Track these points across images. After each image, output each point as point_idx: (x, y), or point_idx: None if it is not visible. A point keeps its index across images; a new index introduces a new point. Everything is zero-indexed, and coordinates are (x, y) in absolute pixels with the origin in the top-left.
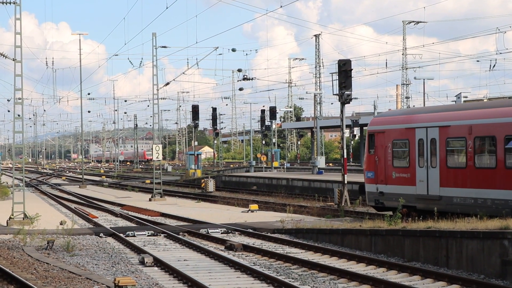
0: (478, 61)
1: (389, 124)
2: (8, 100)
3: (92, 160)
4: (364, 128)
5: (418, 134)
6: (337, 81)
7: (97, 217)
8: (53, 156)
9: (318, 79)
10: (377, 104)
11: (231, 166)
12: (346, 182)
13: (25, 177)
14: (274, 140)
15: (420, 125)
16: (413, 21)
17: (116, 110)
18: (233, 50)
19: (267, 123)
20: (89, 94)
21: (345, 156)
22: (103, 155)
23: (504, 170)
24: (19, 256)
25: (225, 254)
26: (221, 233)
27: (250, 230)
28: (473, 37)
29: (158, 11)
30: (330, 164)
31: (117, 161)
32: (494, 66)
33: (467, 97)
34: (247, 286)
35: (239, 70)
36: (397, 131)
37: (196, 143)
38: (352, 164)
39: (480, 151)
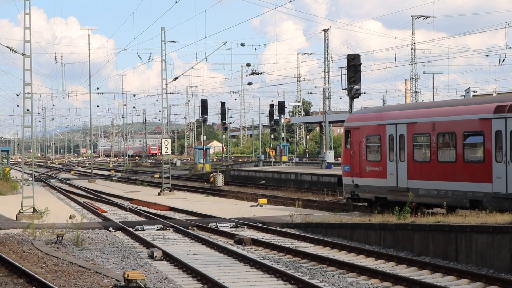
0: (487, 55)
1: (363, 121)
2: (17, 95)
3: (101, 155)
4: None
5: (388, 130)
6: (346, 75)
7: (106, 212)
8: (62, 150)
9: (327, 73)
10: (386, 98)
11: (240, 160)
12: None
13: (34, 171)
14: (282, 135)
15: (390, 122)
16: (422, 16)
17: (125, 105)
18: (242, 44)
19: (275, 117)
20: (98, 88)
21: None
22: (111, 149)
23: (463, 164)
24: (28, 250)
25: (234, 248)
26: (230, 227)
27: (259, 224)
28: (482, 31)
29: (167, 6)
30: (339, 159)
31: (125, 156)
32: (503, 61)
33: (476, 91)
34: (256, 280)
35: (248, 65)
36: (370, 127)
37: (205, 137)
38: None
39: (442, 146)
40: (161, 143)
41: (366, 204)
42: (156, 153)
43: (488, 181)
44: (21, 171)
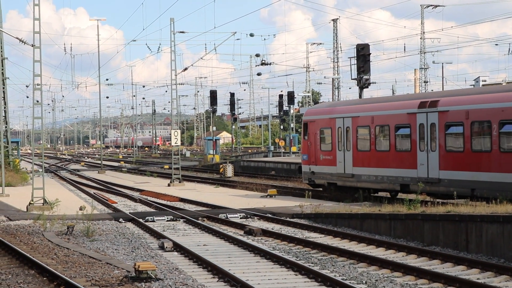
0: (496, 44)
1: (318, 114)
2: (27, 86)
3: (111, 146)
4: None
5: (337, 123)
6: (355, 65)
7: (116, 202)
8: (71, 142)
9: (336, 63)
10: (396, 88)
11: (249, 151)
12: None
13: (44, 162)
14: (292, 125)
15: (339, 116)
16: (431, 5)
17: (134, 96)
18: (251, 35)
19: (285, 108)
20: (107, 80)
21: None
22: (117, 140)
23: (395, 153)
24: (39, 241)
25: (244, 239)
26: (240, 218)
27: (269, 215)
28: (492, 20)
29: None
30: None
31: (134, 147)
32: None
33: (485, 81)
34: (267, 271)
35: (257, 55)
36: (324, 120)
37: (214, 128)
38: None
39: (379, 137)
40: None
41: (321, 189)
42: (158, 144)
43: (414, 167)
44: (31, 163)
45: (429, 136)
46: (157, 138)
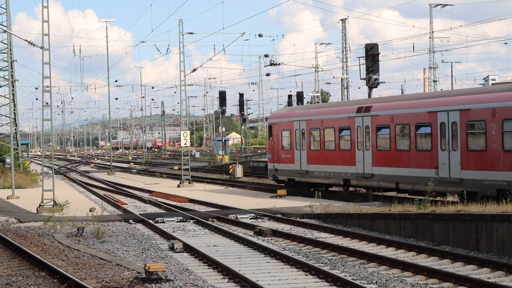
0: (506, 43)
1: (280, 118)
2: (36, 88)
3: (120, 147)
4: None
5: (295, 125)
6: (364, 65)
7: (126, 204)
8: (81, 143)
9: (345, 63)
10: (405, 88)
11: (259, 151)
12: None
13: (54, 164)
14: None
15: (296, 119)
16: (440, 4)
17: (143, 97)
18: (260, 35)
19: None
20: (116, 81)
21: None
22: (131, 141)
23: (339, 152)
24: (49, 243)
25: (254, 239)
26: (250, 218)
27: (279, 215)
28: (501, 19)
29: None
30: None
31: (144, 148)
32: None
33: (495, 79)
34: (277, 271)
35: (266, 56)
36: (284, 123)
37: (223, 129)
38: None
39: (327, 139)
40: (179, 135)
41: (283, 184)
42: (160, 145)
43: (353, 164)
44: (41, 164)
45: (364, 137)
46: (159, 140)
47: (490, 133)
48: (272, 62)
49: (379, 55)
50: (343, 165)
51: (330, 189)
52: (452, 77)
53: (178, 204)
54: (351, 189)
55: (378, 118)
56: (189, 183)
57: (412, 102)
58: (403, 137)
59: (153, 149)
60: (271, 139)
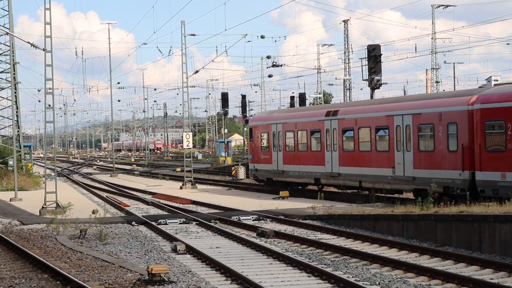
0: (508, 44)
1: (259, 121)
2: (39, 90)
3: (123, 149)
4: None
5: (272, 128)
6: (367, 66)
7: (129, 206)
8: (83, 145)
9: (347, 64)
10: (407, 88)
11: None
12: None
13: (57, 166)
14: None
15: (273, 122)
16: (442, 5)
17: (145, 99)
18: (262, 37)
19: None
20: (118, 83)
21: None
22: (133, 143)
23: (311, 153)
24: (52, 245)
25: (257, 241)
26: (253, 220)
27: (282, 217)
28: (503, 19)
29: None
30: None
31: (147, 150)
32: None
33: (497, 80)
34: (280, 272)
35: (268, 57)
36: (263, 126)
37: (226, 130)
38: None
39: (300, 140)
40: (182, 137)
41: (262, 183)
42: (159, 147)
43: (323, 164)
44: (43, 166)
45: (332, 139)
46: (159, 142)
47: (438, 135)
48: (274, 63)
49: (381, 56)
50: (314, 165)
51: (306, 188)
52: (454, 78)
53: (181, 205)
54: (334, 189)
55: (344, 121)
56: (192, 184)
57: (373, 106)
58: (365, 139)
59: (154, 150)
60: (251, 141)
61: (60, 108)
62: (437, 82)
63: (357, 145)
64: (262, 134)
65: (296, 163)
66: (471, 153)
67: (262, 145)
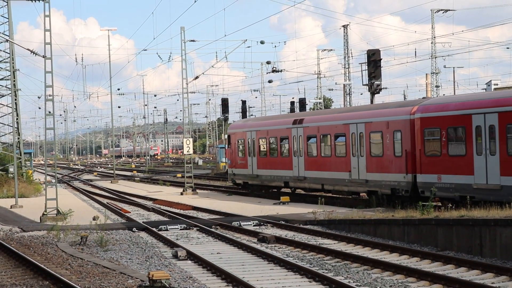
0: (508, 48)
1: (237, 128)
2: (39, 97)
3: (123, 155)
4: None
5: (247, 135)
6: (366, 71)
7: (130, 212)
8: (84, 152)
9: (347, 69)
10: (407, 93)
11: None
12: None
13: (57, 173)
14: None
15: (248, 129)
16: (441, 9)
17: (146, 105)
18: (262, 42)
19: None
20: (118, 89)
21: None
22: (134, 150)
23: (280, 158)
24: (53, 252)
25: (258, 246)
26: (254, 225)
27: (282, 222)
28: (503, 24)
29: (186, 5)
30: None
31: (147, 156)
32: None
33: (497, 84)
34: (281, 278)
35: (268, 63)
36: (240, 133)
37: (226, 136)
38: None
39: (271, 147)
40: (182, 143)
41: (240, 186)
42: (156, 154)
43: (291, 168)
44: (44, 173)
45: (299, 145)
46: (155, 148)
47: (386, 142)
48: (274, 69)
49: (381, 60)
50: (284, 169)
51: (280, 190)
52: (454, 82)
53: (182, 211)
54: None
55: (308, 129)
56: (192, 190)
57: (333, 115)
58: (326, 145)
59: (154, 157)
60: (229, 147)
61: (61, 115)
62: (437, 86)
63: (320, 151)
64: (239, 141)
65: (268, 167)
66: (413, 158)
67: (239, 151)
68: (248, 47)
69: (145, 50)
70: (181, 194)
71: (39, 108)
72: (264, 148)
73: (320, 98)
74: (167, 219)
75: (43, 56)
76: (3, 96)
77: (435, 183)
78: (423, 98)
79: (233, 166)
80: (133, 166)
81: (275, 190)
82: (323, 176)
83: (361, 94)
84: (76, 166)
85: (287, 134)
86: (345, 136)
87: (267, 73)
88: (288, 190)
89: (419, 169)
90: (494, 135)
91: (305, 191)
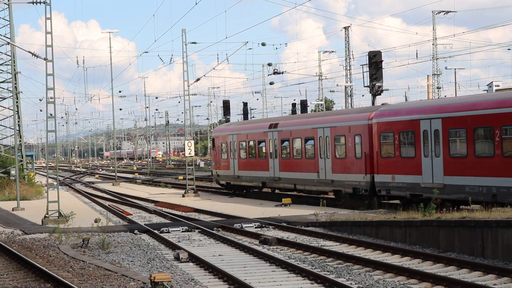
0: (509, 49)
1: (220, 132)
2: (40, 100)
3: (125, 158)
4: None
5: (229, 138)
6: (368, 72)
7: (131, 214)
8: (85, 154)
9: (348, 71)
10: (408, 95)
11: None
12: None
13: (59, 175)
14: None
15: (230, 133)
16: (442, 11)
17: (147, 107)
18: (263, 44)
19: None
20: (120, 92)
21: None
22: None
23: (259, 160)
24: (55, 255)
25: (260, 248)
26: (255, 227)
27: (284, 224)
28: (504, 25)
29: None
30: None
31: (149, 158)
32: None
33: (498, 85)
34: (283, 280)
35: (269, 64)
36: (222, 136)
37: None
38: None
39: (250, 149)
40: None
41: (223, 187)
42: (155, 156)
43: (267, 170)
44: (45, 176)
45: (274, 148)
46: (154, 150)
47: (348, 145)
48: (275, 70)
49: (383, 62)
50: (261, 170)
51: (261, 190)
52: (455, 84)
53: (183, 214)
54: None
55: (282, 132)
56: (194, 192)
57: (303, 120)
58: (298, 148)
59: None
60: (214, 149)
61: (62, 117)
62: (438, 88)
63: (292, 153)
64: (222, 144)
65: (248, 169)
66: (371, 160)
67: (222, 153)
68: (249, 49)
69: (147, 52)
70: (183, 196)
71: (41, 110)
72: (244, 151)
73: (321, 100)
74: (169, 221)
75: (45, 59)
76: (4, 98)
77: (390, 182)
78: (382, 104)
79: (217, 167)
80: (135, 168)
81: (256, 190)
82: (295, 176)
83: (363, 95)
84: (78, 169)
85: (264, 138)
86: (314, 140)
87: (268, 75)
88: (269, 190)
89: (376, 169)
90: (438, 138)
91: (280, 191)
